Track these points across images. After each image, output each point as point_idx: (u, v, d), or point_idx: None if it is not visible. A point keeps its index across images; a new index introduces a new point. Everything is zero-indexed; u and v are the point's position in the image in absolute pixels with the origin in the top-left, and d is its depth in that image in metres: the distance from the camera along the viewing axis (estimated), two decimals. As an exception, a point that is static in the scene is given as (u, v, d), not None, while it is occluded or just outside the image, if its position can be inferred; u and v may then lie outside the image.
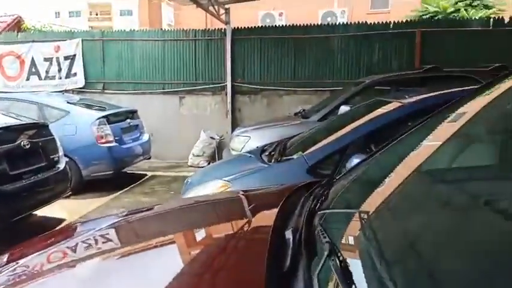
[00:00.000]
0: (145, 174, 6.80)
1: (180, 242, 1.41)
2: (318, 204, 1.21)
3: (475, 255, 0.72)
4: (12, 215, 3.70)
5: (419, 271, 0.74)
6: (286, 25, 7.89)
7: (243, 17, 9.06)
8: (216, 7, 7.28)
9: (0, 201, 3.52)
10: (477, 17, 8.19)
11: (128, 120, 6.31)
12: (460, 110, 1.34)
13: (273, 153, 3.15)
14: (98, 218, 1.91)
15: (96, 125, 5.57)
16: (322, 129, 3.49)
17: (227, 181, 2.82)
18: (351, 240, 0.95)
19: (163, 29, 8.49)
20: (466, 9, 9.89)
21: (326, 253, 0.75)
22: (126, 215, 1.76)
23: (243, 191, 1.85)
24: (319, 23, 8.85)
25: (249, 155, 3.43)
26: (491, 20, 7.01)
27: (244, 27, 7.71)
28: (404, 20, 7.39)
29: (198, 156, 7.39)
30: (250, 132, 5.06)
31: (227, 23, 7.56)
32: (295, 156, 2.79)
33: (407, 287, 0.67)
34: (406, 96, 3.03)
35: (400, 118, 2.60)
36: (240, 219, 1.38)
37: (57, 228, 1.85)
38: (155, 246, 1.40)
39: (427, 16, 9.94)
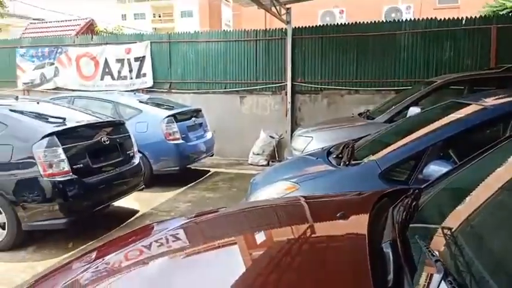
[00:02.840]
0: (209, 171, 7.06)
1: (249, 246, 1.47)
2: (410, 216, 1.20)
3: None
4: (94, 206, 4.06)
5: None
6: (348, 23, 7.71)
7: (301, 15, 9.01)
8: (277, 7, 7.34)
9: (84, 192, 3.87)
10: None
11: (193, 119, 6.59)
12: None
13: (340, 155, 3.13)
14: (171, 219, 2.06)
15: (165, 123, 5.88)
16: (392, 132, 3.40)
17: (295, 183, 2.86)
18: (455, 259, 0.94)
19: (226, 30, 8.71)
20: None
21: (441, 274, 0.76)
22: (195, 217, 1.87)
23: (321, 196, 1.88)
24: (383, 20, 8.54)
25: (315, 156, 3.44)
26: None
27: (305, 27, 7.69)
28: (478, 16, 6.90)
29: (258, 154, 7.52)
30: (313, 133, 5.05)
31: (288, 22, 7.59)
32: (365, 160, 2.75)
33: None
34: (484, 98, 2.86)
35: (482, 123, 2.47)
36: (327, 226, 1.41)
37: (137, 228, 2.01)
38: (221, 248, 1.48)
39: (504, 12, 9.16)
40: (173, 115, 6.06)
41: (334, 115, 6.98)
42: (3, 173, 3.58)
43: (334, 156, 3.18)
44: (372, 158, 2.70)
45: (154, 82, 8.48)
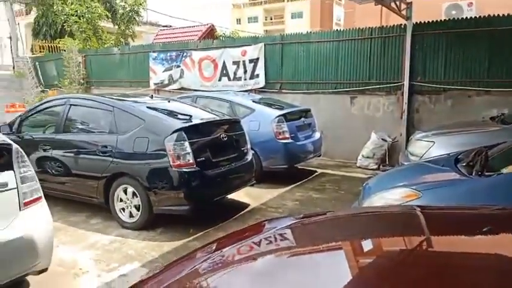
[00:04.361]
0: (315, 171, 7.04)
1: (362, 254, 1.40)
2: None
3: None
4: (212, 196, 4.40)
5: None
6: (479, 16, 6.86)
7: (423, 10, 8.31)
8: (397, 2, 6.92)
9: (205, 183, 4.21)
10: None
11: (303, 119, 6.64)
12: None
13: (471, 163, 2.81)
14: (280, 218, 2.10)
15: (275, 122, 6.04)
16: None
17: (417, 190, 2.66)
18: None
19: (339, 29, 8.54)
20: None
21: None
22: (303, 218, 1.87)
23: (451, 207, 1.72)
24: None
25: (440, 163, 3.16)
26: None
27: (428, 22, 7.09)
28: None
29: (367, 157, 7.21)
30: (434, 137, 4.64)
31: (408, 18, 7.09)
32: (504, 170, 2.42)
33: None
34: None
35: None
36: (466, 242, 1.28)
37: (251, 224, 2.09)
38: (329, 251, 1.45)
39: None
40: (283, 115, 6.18)
41: (459, 118, 6.29)
42: (140, 161, 4.11)
43: (464, 164, 2.88)
44: (514, 168, 2.37)
45: (266, 82, 8.79)
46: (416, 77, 7.10)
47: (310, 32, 8.64)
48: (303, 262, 1.35)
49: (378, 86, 7.56)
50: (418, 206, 2.27)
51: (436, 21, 7.10)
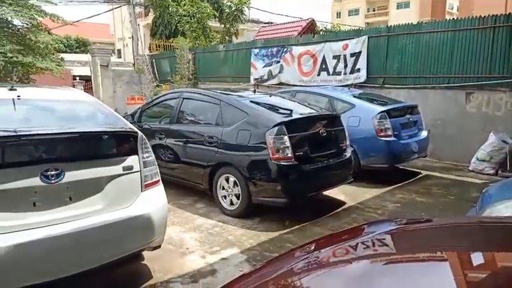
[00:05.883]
0: (420, 173, 6.54)
1: (463, 266, 1.25)
2: None
3: None
4: (308, 191, 4.41)
5: None
6: None
7: None
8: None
9: (302, 178, 4.24)
10: None
11: (408, 116, 6.21)
12: None
13: None
14: (382, 221, 1.99)
15: (377, 119, 5.76)
16: None
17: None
18: None
19: (455, 18, 7.74)
20: None
21: None
22: (406, 224, 1.73)
23: None
24: None
25: None
26: None
27: None
28: None
29: (483, 161, 6.44)
30: None
31: (544, 1, 6.09)
32: None
33: None
34: None
35: None
36: None
37: (351, 227, 2.04)
38: (427, 261, 1.33)
39: None
40: (386, 111, 5.86)
41: None
42: (242, 153, 4.32)
43: None
44: None
45: (367, 77, 8.43)
46: (552, 70, 6.09)
47: (422, 22, 7.97)
48: (400, 272, 1.28)
49: (501, 81, 6.67)
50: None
51: None
